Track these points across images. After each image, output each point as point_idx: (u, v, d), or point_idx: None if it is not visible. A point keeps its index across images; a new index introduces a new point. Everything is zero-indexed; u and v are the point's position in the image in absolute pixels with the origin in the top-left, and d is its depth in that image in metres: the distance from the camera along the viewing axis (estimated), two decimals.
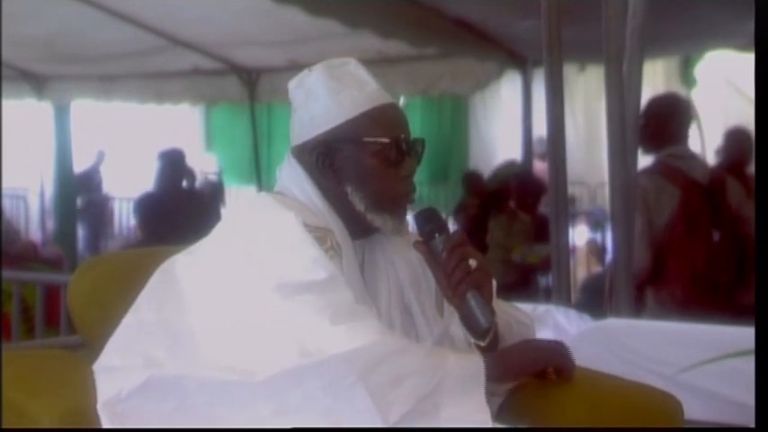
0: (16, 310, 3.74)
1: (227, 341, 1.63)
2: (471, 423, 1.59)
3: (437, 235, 1.82)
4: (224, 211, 6.72)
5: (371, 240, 1.87)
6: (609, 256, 4.81)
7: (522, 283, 6.04)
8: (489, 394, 1.65)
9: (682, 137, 4.00)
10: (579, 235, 7.55)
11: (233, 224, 1.85)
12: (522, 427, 1.82)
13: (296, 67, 2.00)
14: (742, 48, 6.75)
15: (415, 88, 7.90)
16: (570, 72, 7.58)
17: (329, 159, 1.82)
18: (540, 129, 5.79)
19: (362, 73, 1.87)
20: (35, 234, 9.71)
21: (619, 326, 3.35)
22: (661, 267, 3.82)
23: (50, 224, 9.83)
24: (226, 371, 1.59)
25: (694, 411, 2.22)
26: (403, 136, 1.84)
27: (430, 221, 1.84)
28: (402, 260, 1.88)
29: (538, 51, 3.88)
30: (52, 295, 3.71)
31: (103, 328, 1.76)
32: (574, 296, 4.66)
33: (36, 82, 9.04)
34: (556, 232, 3.68)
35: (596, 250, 7.34)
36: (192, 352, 1.64)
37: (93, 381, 1.68)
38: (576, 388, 1.87)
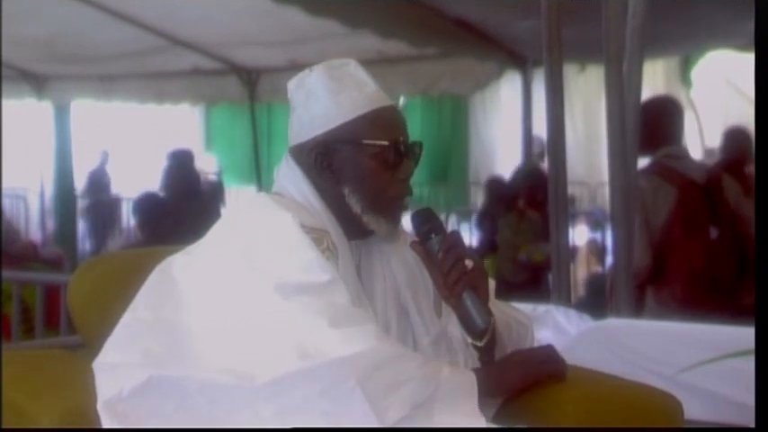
0: (16, 310, 3.74)
1: (226, 341, 1.64)
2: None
3: (433, 235, 1.82)
4: (223, 212, 6.72)
5: (368, 241, 1.88)
6: (609, 256, 4.81)
7: (532, 282, 6.03)
8: (483, 405, 1.67)
9: (675, 137, 4.01)
10: (579, 235, 7.55)
11: (231, 224, 1.85)
12: (522, 427, 1.82)
13: (296, 67, 2.00)
14: (742, 48, 6.76)
15: (415, 88, 7.91)
16: (570, 72, 7.58)
17: (327, 160, 1.82)
18: (540, 129, 5.81)
19: (362, 74, 1.87)
20: (35, 234, 9.70)
21: (619, 326, 3.35)
22: (661, 267, 3.82)
23: (50, 224, 9.83)
24: (226, 374, 1.59)
25: (694, 411, 2.22)
26: (401, 139, 1.84)
27: (427, 222, 1.84)
28: (399, 261, 1.88)
29: (538, 51, 3.88)
30: (52, 295, 3.70)
31: (103, 328, 1.76)
32: (574, 296, 4.67)
33: (36, 82, 9.04)
34: (556, 232, 3.68)
35: (596, 250, 7.34)
36: (190, 351, 1.64)
37: (93, 381, 1.68)
38: (576, 388, 1.87)
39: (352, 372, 1.55)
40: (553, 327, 3.43)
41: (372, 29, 6.09)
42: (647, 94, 3.76)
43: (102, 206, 10.27)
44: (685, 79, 9.67)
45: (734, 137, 5.03)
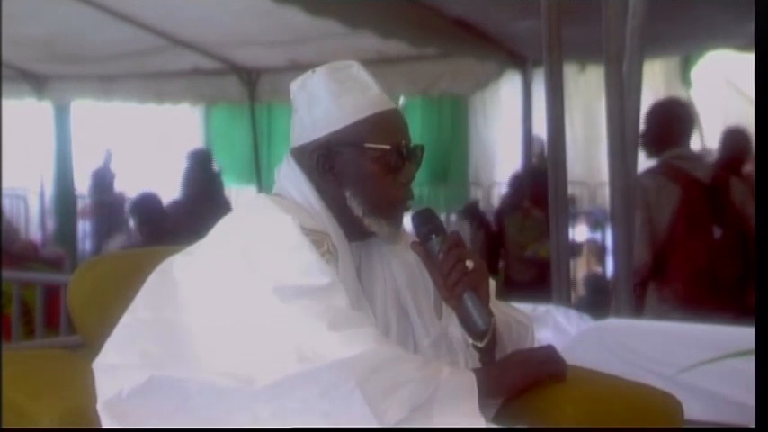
0: (16, 310, 3.74)
1: (226, 342, 1.64)
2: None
3: (434, 236, 1.82)
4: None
5: (368, 243, 1.88)
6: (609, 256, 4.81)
7: (540, 280, 6.04)
8: (483, 405, 1.67)
9: (684, 140, 4.04)
10: (579, 235, 7.55)
11: (231, 225, 1.85)
12: (522, 427, 1.82)
13: (296, 68, 2.00)
14: (742, 48, 6.76)
15: (415, 88, 7.90)
16: (570, 72, 7.58)
17: (329, 162, 1.82)
18: (540, 129, 5.81)
19: (365, 77, 1.86)
20: (35, 234, 9.70)
21: (619, 326, 3.35)
22: (663, 265, 3.83)
23: (50, 224, 9.82)
24: (226, 376, 1.59)
25: (694, 411, 2.22)
26: (404, 142, 1.84)
27: (427, 223, 1.84)
28: (399, 262, 1.88)
29: (538, 51, 3.88)
30: (52, 295, 3.71)
31: (103, 328, 1.76)
32: (574, 296, 4.66)
33: (36, 82, 9.04)
34: (556, 232, 3.68)
35: (596, 250, 7.36)
36: (189, 352, 1.64)
37: (93, 381, 1.68)
38: (576, 388, 1.87)
39: (351, 374, 1.56)
40: (553, 327, 3.43)
41: (372, 29, 6.08)
42: (647, 94, 3.76)
43: (108, 205, 10.26)
44: (685, 79, 9.66)
45: (732, 137, 5.05)
